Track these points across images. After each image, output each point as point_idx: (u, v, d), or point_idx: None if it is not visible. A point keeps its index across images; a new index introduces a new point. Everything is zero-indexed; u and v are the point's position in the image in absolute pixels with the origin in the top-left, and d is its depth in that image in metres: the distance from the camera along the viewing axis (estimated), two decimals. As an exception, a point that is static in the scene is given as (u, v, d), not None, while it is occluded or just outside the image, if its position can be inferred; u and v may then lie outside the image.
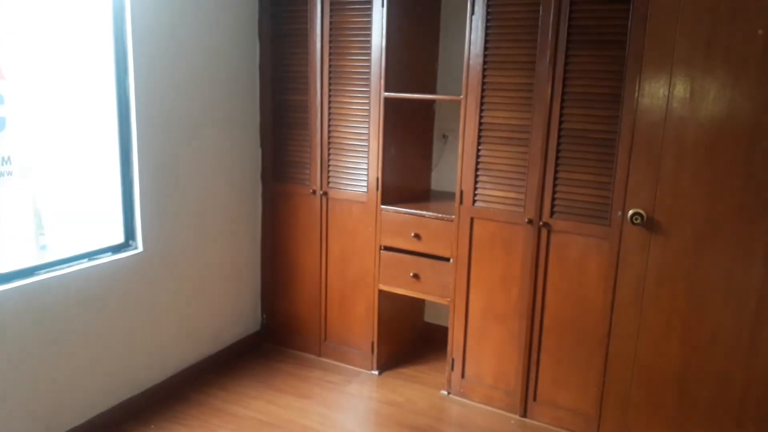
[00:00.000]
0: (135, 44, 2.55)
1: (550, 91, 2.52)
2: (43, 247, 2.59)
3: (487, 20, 2.61)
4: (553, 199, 2.60)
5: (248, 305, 3.46)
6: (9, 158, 2.13)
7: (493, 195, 2.74)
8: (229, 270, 3.28)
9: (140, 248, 2.71)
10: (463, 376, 2.98)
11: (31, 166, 2.45)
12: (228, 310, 3.31)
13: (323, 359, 3.37)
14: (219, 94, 3.04)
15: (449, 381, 3.03)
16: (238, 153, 3.22)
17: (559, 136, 2.54)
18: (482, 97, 2.68)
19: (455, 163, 2.88)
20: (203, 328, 3.15)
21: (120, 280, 2.63)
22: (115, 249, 2.65)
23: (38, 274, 2.32)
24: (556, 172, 2.58)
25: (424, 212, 2.94)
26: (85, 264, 2.50)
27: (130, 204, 2.68)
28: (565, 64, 2.48)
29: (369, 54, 2.92)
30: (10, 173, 2.15)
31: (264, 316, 3.55)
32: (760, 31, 2.13)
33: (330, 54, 3.02)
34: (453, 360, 2.99)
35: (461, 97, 2.74)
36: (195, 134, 2.93)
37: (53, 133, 2.55)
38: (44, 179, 2.59)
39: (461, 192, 2.81)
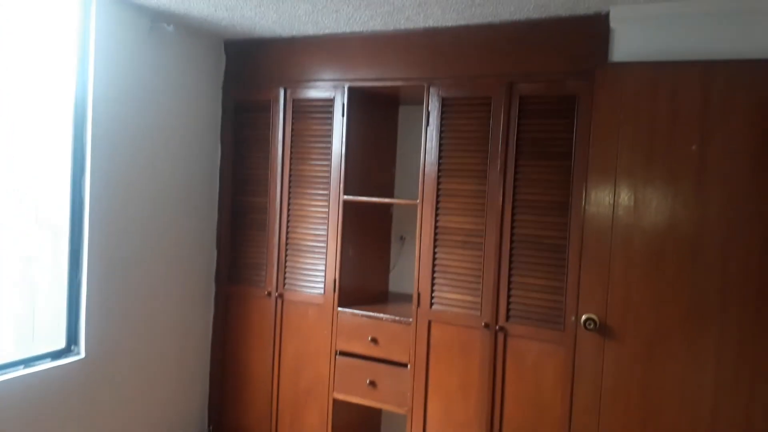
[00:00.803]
0: (94, 140, 2.57)
1: (501, 198, 2.62)
2: (-24, 353, 2.44)
3: (441, 131, 2.74)
4: (509, 302, 2.62)
5: (195, 415, 3.27)
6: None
7: (450, 298, 2.75)
8: (176, 376, 3.13)
9: (83, 354, 2.58)
10: (421, 490, 2.83)
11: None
12: (173, 417, 3.12)
13: (274, 473, 3.16)
14: (177, 194, 3.05)
15: (407, 496, 2.87)
16: (193, 253, 3.18)
17: (511, 241, 2.61)
18: (437, 201, 2.76)
19: (412, 265, 2.89)
20: (146, 439, 2.94)
21: (59, 388, 2.47)
22: (55, 355, 2.51)
23: (-34, 383, 2.17)
24: (510, 275, 2.62)
25: (381, 315, 2.91)
26: (22, 371, 2.35)
27: (76, 306, 2.58)
28: (515, 173, 2.59)
29: (329, 159, 3.00)
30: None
31: (210, 428, 3.35)
32: (693, 147, 2.29)
33: (291, 158, 3.10)
34: (412, 473, 2.84)
35: (417, 201, 2.81)
36: (150, 233, 2.90)
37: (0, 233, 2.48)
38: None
39: (418, 294, 2.80)
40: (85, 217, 2.57)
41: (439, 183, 2.75)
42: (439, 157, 2.75)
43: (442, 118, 2.74)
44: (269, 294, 3.15)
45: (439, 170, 2.75)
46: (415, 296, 2.81)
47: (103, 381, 2.68)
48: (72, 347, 2.57)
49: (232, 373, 3.28)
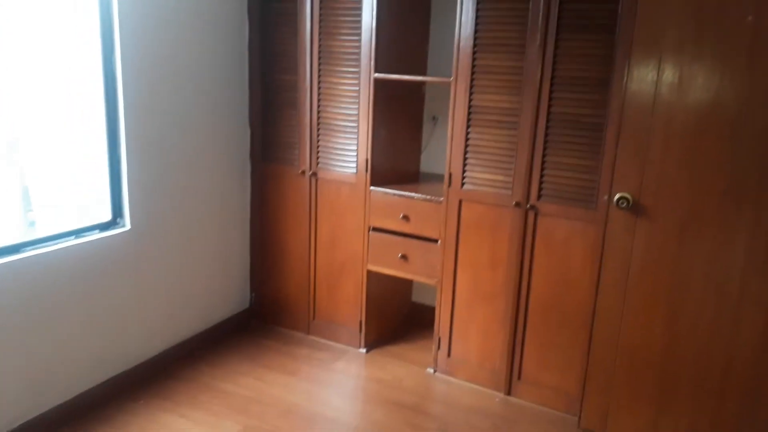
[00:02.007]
0: (121, 22, 2.52)
1: (539, 74, 2.53)
2: (31, 224, 2.59)
3: (478, 2, 2.59)
4: (541, 182, 2.62)
5: (237, 283, 3.48)
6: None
7: (481, 178, 2.76)
8: (218, 248, 3.29)
9: (128, 226, 2.71)
10: (449, 354, 3.03)
11: (19, 142, 2.44)
12: (216, 287, 3.32)
13: (311, 337, 3.40)
14: (208, 73, 3.02)
15: (435, 359, 3.08)
16: (226, 132, 3.20)
17: (547, 120, 2.56)
18: (472, 79, 2.68)
19: (444, 146, 2.89)
20: (192, 306, 3.16)
21: (108, 257, 2.63)
22: (103, 227, 2.65)
23: (25, 251, 2.32)
24: (544, 155, 2.60)
25: (412, 194, 2.95)
26: (73, 241, 2.50)
27: (118, 182, 2.67)
28: (555, 47, 2.48)
29: (359, 34, 2.90)
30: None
31: (252, 295, 3.57)
32: (749, 18, 2.14)
33: (320, 34, 3.00)
34: (439, 339, 3.03)
35: (451, 79, 2.73)
36: (183, 112, 2.91)
37: (41, 111, 2.53)
38: (32, 156, 2.57)
39: (450, 174, 2.82)
40: (118, 94, 2.59)
41: (474, 59, 2.66)
42: (475, 31, 2.63)
43: (479, -12, 2.59)
44: (303, 173, 3.21)
45: (474, 45, 2.64)
46: (446, 176, 2.83)
47: (149, 252, 2.84)
48: (117, 220, 2.70)
49: (271, 245, 3.43)
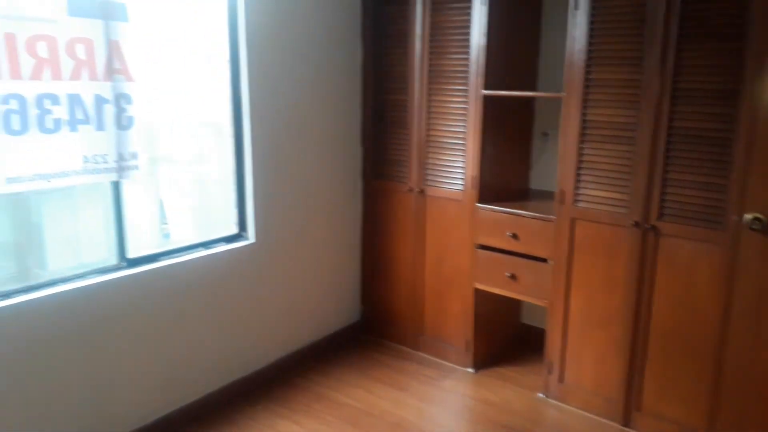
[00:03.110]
0: (248, 48, 2.74)
1: (658, 87, 2.40)
2: (166, 236, 2.86)
3: (591, 14, 2.52)
4: (662, 201, 2.47)
5: (348, 296, 3.60)
6: (136, 153, 2.37)
7: (595, 195, 2.65)
8: (331, 262, 3.43)
9: (252, 239, 2.91)
10: (561, 379, 2.92)
11: (156, 160, 2.72)
12: (329, 300, 3.46)
13: (419, 353, 3.43)
14: (324, 94, 3.19)
15: (546, 384, 2.98)
16: (340, 151, 3.35)
17: (668, 135, 2.41)
18: (585, 93, 2.60)
19: (555, 162, 2.81)
20: (306, 317, 3.32)
21: (233, 268, 2.84)
22: (229, 239, 2.87)
23: (161, 260, 2.58)
24: (664, 172, 2.45)
25: (521, 211, 2.90)
26: (203, 252, 2.73)
27: (243, 198, 2.89)
28: (677, 58, 2.34)
29: (468, 52, 2.93)
30: (137, 167, 2.39)
31: (363, 308, 3.67)
32: None
33: (429, 53, 3.06)
34: (551, 363, 2.93)
35: (563, 94, 2.67)
36: (302, 133, 3.09)
37: (175, 130, 2.81)
38: (166, 173, 2.86)
39: (561, 192, 2.74)
40: (244, 116, 2.81)
41: (587, 73, 2.58)
42: (589, 44, 2.56)
43: (592, 0, 2.52)
44: (411, 190, 3.27)
45: (587, 59, 2.57)
46: (557, 193, 2.75)
47: (269, 264, 3.03)
48: (242, 233, 2.92)
49: (381, 260, 3.52)
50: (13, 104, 2.02)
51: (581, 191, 2.69)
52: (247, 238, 2.92)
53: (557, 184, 2.75)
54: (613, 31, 2.50)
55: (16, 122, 2.03)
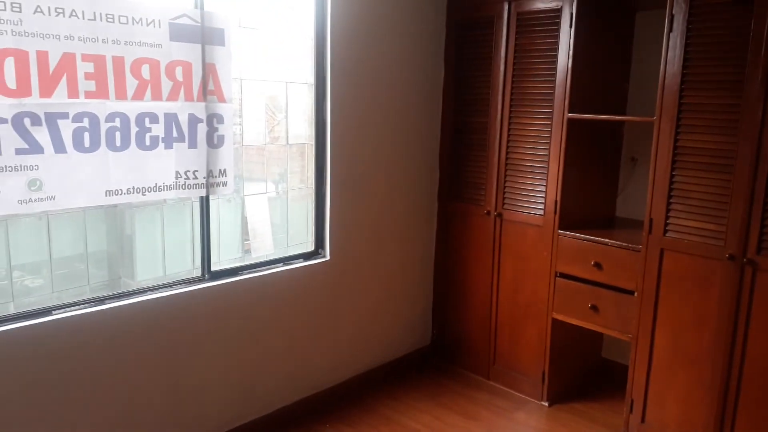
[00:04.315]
0: (333, 73, 2.81)
1: (761, 113, 2.25)
2: (247, 251, 2.95)
3: (687, 37, 2.42)
4: (761, 233, 2.31)
5: (419, 319, 3.57)
6: (225, 171, 2.47)
7: (687, 226, 2.51)
8: (403, 284, 3.41)
9: (328, 257, 2.96)
10: (642, 419, 2.75)
11: (241, 178, 2.82)
12: (401, 322, 3.44)
13: (491, 382, 3.34)
14: (404, 116, 3.21)
15: (627, 423, 2.81)
16: (417, 172, 3.36)
17: (772, 163, 2.26)
18: (678, 118, 2.48)
19: (644, 189, 2.69)
20: (377, 338, 3.31)
21: (308, 284, 2.89)
22: (306, 256, 2.93)
23: (242, 274, 2.65)
24: (765, 203, 2.29)
25: (606, 240, 2.79)
26: (281, 268, 2.79)
27: (321, 216, 2.94)
28: (783, 82, 2.20)
29: (553, 75, 2.87)
30: (225, 184, 2.49)
31: (434, 332, 3.62)
32: None
33: (513, 76, 3.03)
34: (632, 401, 2.77)
35: (654, 118, 2.56)
36: (380, 154, 3.13)
37: (261, 149, 2.91)
38: (251, 190, 2.96)
39: (650, 221, 2.61)
40: (327, 136, 2.87)
41: (681, 97, 2.47)
42: (683, 68, 2.44)
43: (688, 22, 2.41)
44: (488, 213, 3.22)
45: (682, 82, 2.45)
46: (646, 222, 2.62)
47: (344, 282, 3.05)
48: (319, 251, 2.97)
49: (454, 284, 3.47)
50: (117, 122, 2.16)
51: (672, 221, 2.55)
52: (323, 256, 2.96)
53: (646, 212, 2.63)
54: (711, 54, 2.38)
55: (118, 139, 2.17)
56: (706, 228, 2.46)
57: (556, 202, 2.93)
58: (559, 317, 2.99)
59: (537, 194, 3.01)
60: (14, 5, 1.89)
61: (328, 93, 2.83)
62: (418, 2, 3.17)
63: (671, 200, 2.54)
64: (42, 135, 2.00)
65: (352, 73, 2.90)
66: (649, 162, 2.60)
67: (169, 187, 2.33)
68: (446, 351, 3.57)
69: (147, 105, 2.22)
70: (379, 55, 3.02)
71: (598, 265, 2.81)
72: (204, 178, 2.42)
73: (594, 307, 2.84)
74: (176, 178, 2.34)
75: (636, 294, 2.70)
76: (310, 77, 2.84)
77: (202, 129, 2.38)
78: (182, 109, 2.32)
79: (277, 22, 2.81)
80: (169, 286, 2.43)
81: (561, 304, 2.97)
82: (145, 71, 2.20)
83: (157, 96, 2.24)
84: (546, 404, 3.12)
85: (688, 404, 2.58)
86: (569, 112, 2.83)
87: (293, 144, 2.99)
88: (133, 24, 2.15)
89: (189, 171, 2.37)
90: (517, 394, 3.22)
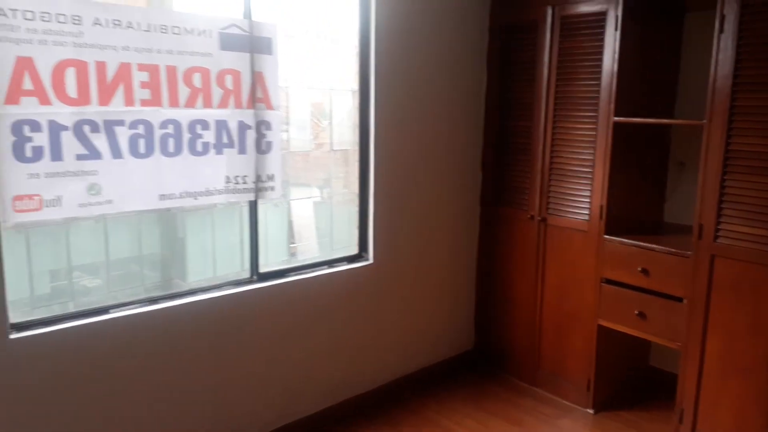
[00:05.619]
0: (376, 79, 2.85)
1: (820, 114, 2.18)
2: (293, 254, 3.02)
3: (739, 38, 2.35)
4: (821, 239, 2.22)
5: (462, 323, 3.56)
6: (273, 176, 2.54)
7: (739, 231, 2.44)
8: (446, 287, 3.42)
9: (371, 260, 2.99)
10: (693, 430, 2.67)
11: (288, 183, 2.89)
12: (443, 325, 3.45)
13: (535, 388, 3.30)
14: (446, 121, 3.23)
15: (676, 433, 2.75)
16: (459, 176, 3.36)
17: (830, 167, 2.18)
18: (730, 122, 2.42)
19: (694, 194, 2.62)
20: (421, 340, 3.33)
21: (352, 287, 2.93)
22: (350, 259, 2.97)
23: (289, 276, 2.71)
24: (825, 208, 2.20)
25: (654, 245, 2.73)
26: (326, 270, 2.84)
27: (365, 220, 2.98)
28: (843, 82, 2.12)
29: (598, 78, 2.84)
30: (272, 188, 2.56)
31: (477, 336, 3.61)
32: None
33: (557, 80, 3.00)
34: (682, 411, 2.70)
35: (704, 121, 2.50)
36: (422, 158, 3.15)
37: (306, 155, 2.97)
38: (297, 195, 3.03)
39: (700, 226, 2.55)
40: (370, 144, 2.91)
41: (733, 99, 2.40)
42: (735, 70, 2.38)
43: (740, 23, 2.35)
44: (532, 218, 3.19)
45: (734, 85, 2.39)
46: (695, 228, 2.56)
47: (387, 285, 3.08)
48: (363, 254, 3.01)
49: (497, 289, 3.46)
50: (170, 129, 2.25)
51: (723, 226, 2.48)
52: (366, 259, 3.00)
53: (695, 217, 2.56)
54: (765, 55, 2.31)
55: (171, 145, 2.26)
56: (760, 234, 2.38)
57: (601, 206, 2.89)
58: (605, 324, 2.94)
59: (582, 199, 2.98)
60: (75, 18, 2.00)
61: (372, 99, 2.87)
62: (461, 9, 3.18)
63: (722, 205, 2.47)
64: (100, 141, 2.10)
65: (396, 78, 2.93)
66: (698, 166, 2.54)
67: (220, 192, 2.41)
68: (490, 356, 3.55)
69: (199, 112, 2.31)
70: (422, 61, 3.04)
71: (645, 272, 2.75)
72: (253, 182, 2.49)
73: (641, 314, 2.78)
74: (226, 182, 2.42)
75: (685, 301, 2.63)
76: (354, 84, 2.89)
77: (251, 135, 2.46)
78: (232, 116, 2.40)
79: (323, 29, 2.88)
80: (219, 287, 2.51)
81: (607, 311, 2.92)
82: (197, 80, 2.28)
83: (208, 103, 2.33)
84: (591, 412, 3.07)
85: (742, 414, 2.50)
86: (615, 116, 2.79)
87: (337, 150, 3.05)
88: (185, 34, 2.24)
89: (238, 176, 2.45)
90: (562, 401, 3.18)
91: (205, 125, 2.33)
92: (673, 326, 2.68)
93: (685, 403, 2.68)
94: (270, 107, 2.50)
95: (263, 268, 2.64)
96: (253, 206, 2.58)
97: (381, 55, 2.85)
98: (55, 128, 2.00)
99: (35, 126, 1.97)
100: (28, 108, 1.95)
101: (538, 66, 3.08)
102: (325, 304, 2.82)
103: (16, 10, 1.88)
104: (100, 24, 2.05)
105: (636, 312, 2.80)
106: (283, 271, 2.71)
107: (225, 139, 2.39)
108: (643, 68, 2.88)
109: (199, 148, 2.33)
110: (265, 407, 2.67)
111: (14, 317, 2.03)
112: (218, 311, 2.46)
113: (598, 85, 2.84)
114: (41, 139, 1.98)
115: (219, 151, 2.38)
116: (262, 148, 2.50)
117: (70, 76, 2.01)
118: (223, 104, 2.37)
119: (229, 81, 2.37)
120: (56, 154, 2.02)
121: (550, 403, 3.17)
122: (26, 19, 1.91)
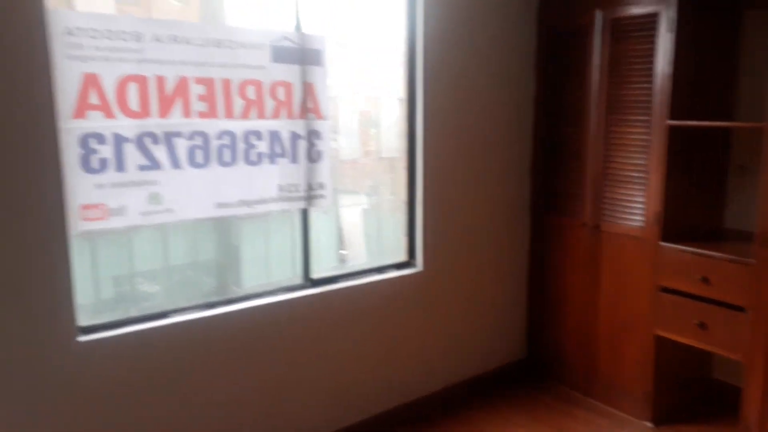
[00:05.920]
0: (424, 86, 2.86)
1: None
2: (342, 260, 3.06)
3: (804, 35, 2.26)
4: None
5: (514, 332, 3.51)
6: (323, 184, 2.60)
7: (807, 236, 2.33)
8: (496, 295, 3.38)
9: (420, 267, 3.00)
10: (759, 446, 2.55)
11: (338, 191, 2.94)
12: (494, 334, 3.41)
13: (590, 399, 3.22)
14: (495, 127, 3.21)
15: (741, 449, 2.63)
16: (509, 183, 3.33)
17: None
18: (795, 122, 2.32)
19: (755, 199, 2.52)
20: (471, 349, 3.30)
21: (402, 293, 2.94)
22: (399, 266, 2.99)
23: (340, 282, 2.75)
24: None
25: (714, 253, 2.63)
26: (375, 277, 2.87)
27: (413, 227, 2.99)
28: None
29: (651, 81, 2.77)
30: (323, 196, 2.61)
31: (530, 345, 3.55)
32: None
33: (608, 83, 2.95)
34: (747, 427, 2.58)
35: (765, 123, 2.40)
36: (471, 165, 3.14)
37: (356, 163, 3.02)
38: (346, 202, 3.07)
39: (763, 232, 2.44)
40: (417, 151, 2.92)
41: (798, 99, 2.30)
42: (800, 68, 2.29)
43: (806, 19, 2.26)
44: (584, 224, 3.13)
45: (799, 84, 2.30)
46: (758, 234, 2.45)
47: (436, 293, 3.08)
48: (411, 261, 3.02)
49: (549, 297, 3.40)
50: (226, 140, 2.33)
51: (789, 232, 2.37)
52: (415, 266, 3.01)
53: (758, 223, 2.46)
54: (832, 51, 2.21)
55: (227, 155, 2.34)
56: (830, 239, 2.27)
57: (657, 212, 2.81)
58: (663, 334, 2.84)
59: (636, 205, 2.90)
60: (136, 35, 2.10)
61: (419, 106, 2.89)
62: (509, 13, 3.16)
63: (788, 209, 2.37)
64: (160, 152, 2.20)
65: (443, 85, 2.94)
66: (760, 170, 2.44)
67: (273, 200, 2.48)
68: (542, 365, 3.48)
69: (253, 123, 2.38)
70: (468, 68, 3.04)
71: (705, 280, 2.65)
72: (304, 191, 2.55)
73: (702, 324, 2.68)
74: (279, 191, 2.49)
75: (748, 311, 2.52)
76: (402, 92, 2.92)
77: (302, 145, 2.52)
78: (284, 127, 2.47)
79: (370, 39, 2.92)
80: (273, 292, 2.57)
81: (665, 320, 2.83)
82: (251, 92, 2.36)
83: (261, 115, 2.40)
84: (650, 425, 2.97)
85: (813, 431, 2.37)
86: (669, 119, 2.72)
87: (385, 157, 3.08)
88: (238, 48, 2.32)
89: (291, 185, 2.51)
90: (617, 413, 3.09)
91: (258, 136, 2.41)
92: (735, 337, 2.57)
93: (750, 419, 2.56)
94: (320, 117, 2.56)
95: (314, 275, 2.69)
96: (305, 214, 2.64)
97: (428, 63, 2.86)
98: (119, 140, 2.11)
99: (101, 139, 2.08)
100: (94, 122, 2.06)
101: (588, 70, 3.03)
102: (374, 310, 2.84)
103: (82, 29, 2.00)
104: (159, 40, 2.15)
105: (696, 322, 2.69)
106: (334, 278, 2.75)
107: (278, 149, 2.46)
108: (698, 69, 2.79)
109: (254, 158, 2.41)
110: (315, 412, 2.71)
111: (81, 321, 2.14)
112: (272, 316, 2.52)
113: (651, 87, 2.77)
114: (106, 151, 2.09)
115: (272, 161, 2.45)
116: (312, 157, 2.55)
117: (132, 91, 2.12)
118: (275, 115, 2.44)
119: (281, 92, 2.44)
120: (120, 165, 2.12)
121: (606, 414, 3.09)
122: (91, 37, 2.02)
